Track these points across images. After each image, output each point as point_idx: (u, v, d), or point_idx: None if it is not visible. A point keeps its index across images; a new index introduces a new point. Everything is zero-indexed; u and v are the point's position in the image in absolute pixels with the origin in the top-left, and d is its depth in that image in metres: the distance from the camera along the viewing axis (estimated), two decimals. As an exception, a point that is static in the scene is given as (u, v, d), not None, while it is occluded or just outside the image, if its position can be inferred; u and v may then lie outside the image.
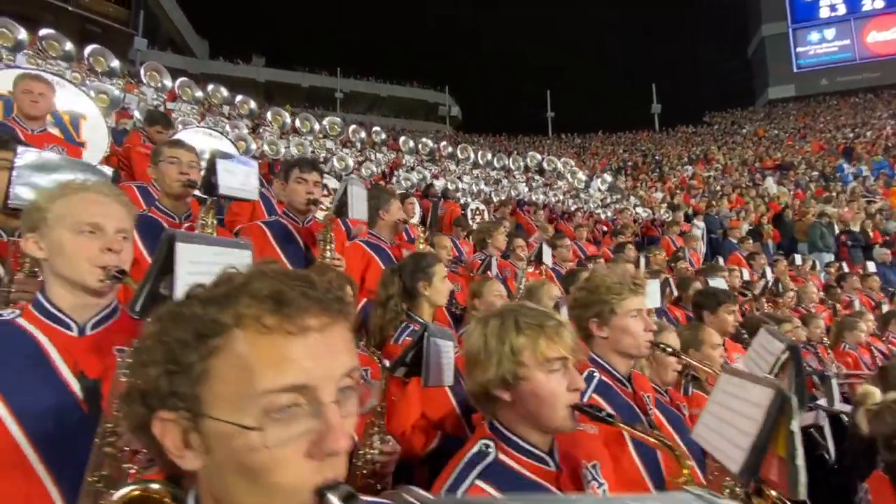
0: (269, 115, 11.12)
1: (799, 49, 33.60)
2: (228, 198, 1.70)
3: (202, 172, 1.74)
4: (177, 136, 4.20)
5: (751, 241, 8.16)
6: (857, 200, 11.28)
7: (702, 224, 10.62)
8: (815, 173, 16.06)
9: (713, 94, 36.82)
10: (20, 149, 1.21)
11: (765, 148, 23.65)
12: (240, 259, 1.00)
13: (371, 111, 37.07)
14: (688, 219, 10.85)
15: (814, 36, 33.52)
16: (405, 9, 38.87)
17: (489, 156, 15.04)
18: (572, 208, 9.61)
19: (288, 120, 10.81)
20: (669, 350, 1.49)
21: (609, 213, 10.35)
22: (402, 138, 14.41)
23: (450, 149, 14.36)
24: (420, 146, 13.58)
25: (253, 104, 11.21)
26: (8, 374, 0.97)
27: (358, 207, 2.11)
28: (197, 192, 1.77)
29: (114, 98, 4.84)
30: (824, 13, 33.38)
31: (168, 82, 9.29)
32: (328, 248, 1.86)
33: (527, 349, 0.90)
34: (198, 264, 0.89)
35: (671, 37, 41.47)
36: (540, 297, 2.38)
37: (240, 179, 1.68)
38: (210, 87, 10.46)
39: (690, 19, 39.80)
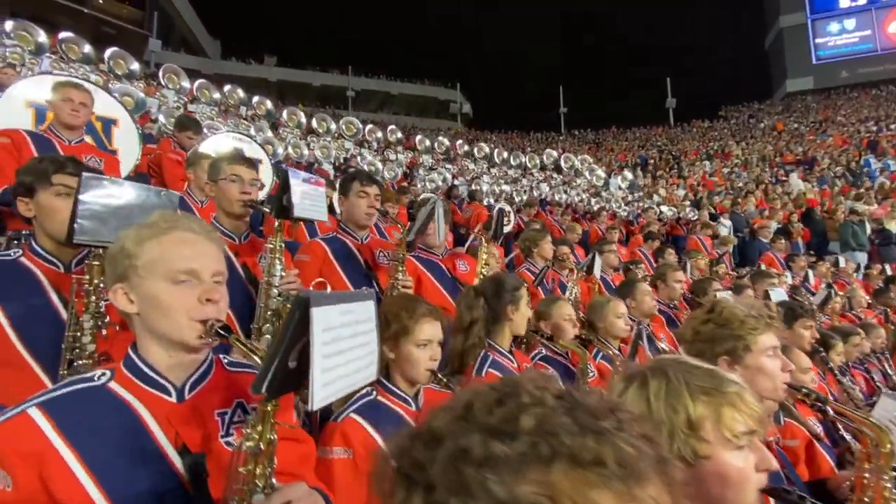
0: (284, 114, 11.07)
1: (818, 40, 32.87)
2: (301, 219, 1.58)
3: (262, 188, 1.64)
4: (207, 143, 4.11)
5: (783, 241, 7.89)
6: (891, 196, 10.92)
7: (728, 223, 10.36)
8: (840, 168, 15.60)
9: (729, 87, 36.15)
10: (85, 175, 1.09)
11: (785, 142, 23.10)
12: (365, 313, 0.85)
13: (382, 109, 36.99)
14: (713, 218, 10.58)
15: (833, 27, 32.77)
16: (415, 6, 38.67)
17: (505, 154, 14.86)
18: (594, 207, 9.39)
19: (303, 120, 10.75)
20: (813, 396, 1.32)
21: (631, 212, 10.11)
22: (419, 137, 14.28)
23: (466, 147, 14.20)
24: (436, 145, 13.45)
25: (269, 105, 11.15)
26: (102, 452, 0.85)
27: (442, 230, 1.95)
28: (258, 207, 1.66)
29: (138, 100, 4.75)
30: (844, 3, 32.62)
31: (186, 84, 9.29)
32: (400, 270, 1.72)
33: (708, 421, 0.74)
34: (330, 331, 0.75)
35: (685, 30, 40.78)
36: (605, 315, 2.23)
37: (312, 199, 1.55)
38: (227, 88, 10.44)
39: (705, 12, 39.09)
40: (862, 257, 9.32)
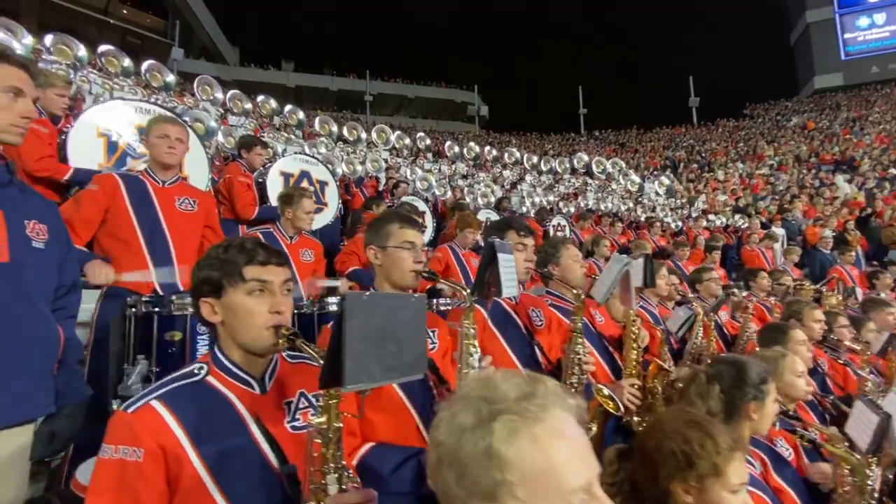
0: (316, 123, 10.91)
1: (847, 35, 32.02)
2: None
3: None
4: (276, 167, 3.87)
5: (853, 254, 7.43)
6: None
7: (782, 231, 9.87)
8: (891, 169, 14.92)
9: (753, 84, 35.39)
10: (349, 297, 0.85)
11: (819, 142, 22.35)
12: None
13: (398, 112, 36.94)
14: (764, 226, 10.10)
15: (863, 21, 31.89)
16: (430, 9, 38.47)
17: (535, 158, 14.52)
18: (641, 217, 8.99)
19: (335, 129, 10.58)
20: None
21: (677, 221, 9.67)
22: (448, 143, 14.02)
23: (494, 152, 13.90)
24: (466, 151, 13.18)
25: (301, 115, 11.02)
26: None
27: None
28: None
29: (209, 128, 4.52)
30: (874, -4, 31.69)
31: (219, 95, 9.18)
32: (578, 342, 1.40)
33: None
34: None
35: (708, 27, 39.96)
36: (781, 374, 1.91)
37: (509, 271, 1.29)
38: (260, 99, 10.32)
39: (728, 9, 38.24)
40: (928, 267, 8.79)
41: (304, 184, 3.97)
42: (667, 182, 13.77)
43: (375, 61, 34.74)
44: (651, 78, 40.80)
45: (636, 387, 1.80)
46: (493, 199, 6.47)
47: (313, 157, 4.11)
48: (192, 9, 25.33)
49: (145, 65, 8.25)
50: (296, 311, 2.29)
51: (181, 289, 1.97)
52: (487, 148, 14.01)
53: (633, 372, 1.88)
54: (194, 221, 2.18)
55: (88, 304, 2.70)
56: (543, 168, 13.75)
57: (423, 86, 36.03)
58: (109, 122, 2.89)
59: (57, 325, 1.27)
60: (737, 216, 10.54)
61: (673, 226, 9.19)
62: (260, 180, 3.76)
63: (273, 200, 3.85)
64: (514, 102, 39.08)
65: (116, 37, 18.55)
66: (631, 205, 9.31)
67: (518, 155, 14.47)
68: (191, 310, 1.64)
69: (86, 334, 2.10)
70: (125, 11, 19.66)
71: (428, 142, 12.75)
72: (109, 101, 3.09)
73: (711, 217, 10.00)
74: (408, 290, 1.41)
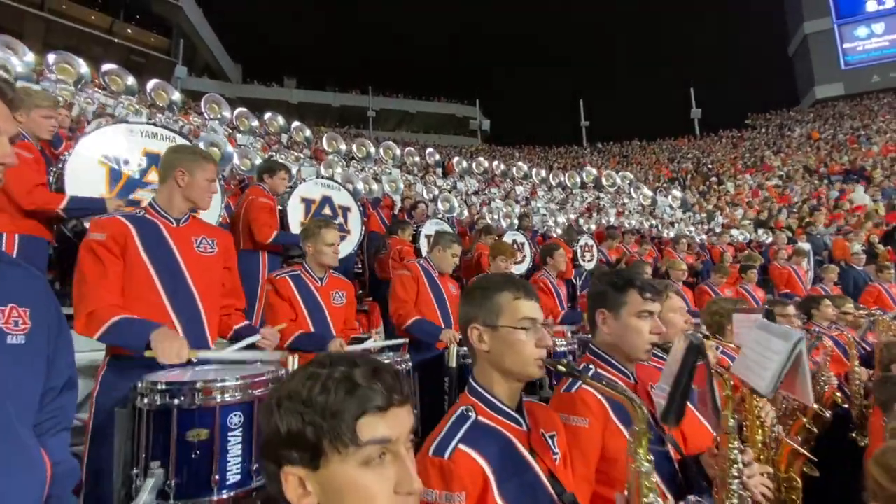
0: (325, 141, 10.66)
1: (846, 45, 32.20)
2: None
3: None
4: (298, 193, 3.53)
5: (892, 271, 7.04)
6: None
7: (808, 246, 9.50)
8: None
9: (754, 95, 35.48)
10: None
11: (826, 152, 22.15)
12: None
13: (400, 127, 36.97)
14: (789, 241, 9.75)
15: (861, 31, 32.09)
16: (432, 24, 38.73)
17: (543, 172, 14.26)
18: (665, 234, 8.64)
19: (343, 146, 10.31)
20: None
21: (701, 236, 9.30)
22: (456, 158, 13.78)
23: (502, 166, 13.65)
24: (475, 165, 12.92)
25: (308, 132, 10.79)
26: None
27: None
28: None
29: (226, 154, 4.18)
30: (871, 7, 32.01)
31: (227, 113, 8.95)
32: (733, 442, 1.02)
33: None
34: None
35: (708, 39, 40.22)
36: None
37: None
38: (267, 116, 10.08)
39: (727, 20, 38.53)
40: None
41: (326, 210, 3.64)
42: (679, 195, 13.48)
43: (377, 77, 34.85)
44: (652, 89, 40.94)
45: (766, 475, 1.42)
46: (515, 220, 6.13)
47: (334, 180, 3.78)
48: (195, 27, 25.38)
49: (150, 84, 8.03)
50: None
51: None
52: (496, 162, 13.76)
53: (762, 457, 1.50)
54: (216, 265, 1.83)
55: (88, 353, 2.30)
56: (553, 182, 13.50)
57: (425, 101, 36.11)
58: (111, 149, 2.56)
59: (40, 453, 0.89)
60: (760, 231, 10.19)
61: (698, 241, 8.83)
62: (280, 207, 3.44)
63: (294, 229, 3.52)
64: (515, 116, 39.15)
65: (121, 56, 18.45)
66: (654, 221, 8.97)
67: (526, 169, 14.22)
68: (220, 398, 1.26)
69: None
70: (129, 31, 19.63)
71: (437, 157, 12.51)
72: (111, 125, 2.75)
73: (734, 232, 9.64)
74: (526, 381, 1.06)
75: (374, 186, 5.07)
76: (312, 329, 2.21)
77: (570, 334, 2.98)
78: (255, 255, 3.30)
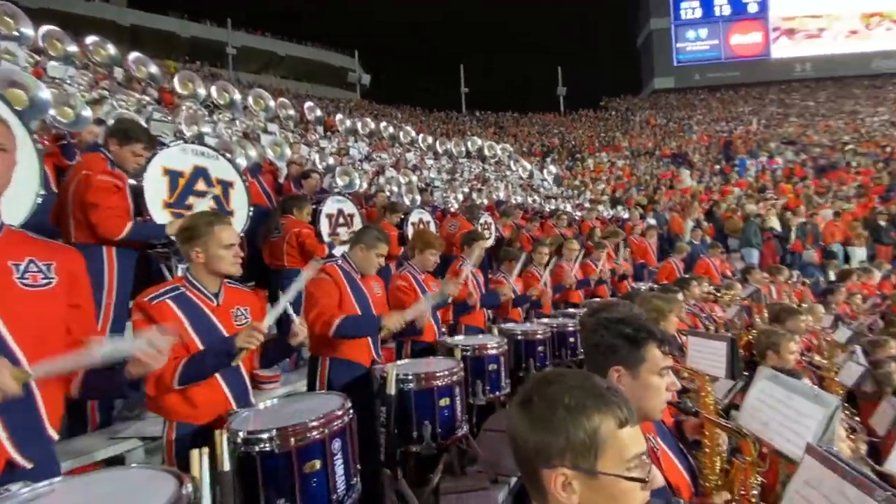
0: (176, 82, 8.78)
1: (679, 44, 37.43)
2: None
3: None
4: (156, 162, 2.66)
5: (720, 247, 8.50)
6: (775, 195, 12.65)
7: (654, 222, 10.97)
8: (717, 166, 17.83)
9: (609, 80, 39.62)
10: None
11: (661, 137, 25.90)
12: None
13: (266, 71, 32.98)
14: (641, 217, 11.14)
15: (690, 34, 37.53)
16: (304, -44, 34.49)
17: (430, 139, 14.03)
18: (545, 209, 9.16)
19: (202, 90, 8.58)
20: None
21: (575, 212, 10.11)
22: (339, 116, 12.68)
23: (391, 129, 13.05)
24: (360, 126, 12.06)
25: (154, 68, 8.76)
26: None
27: None
28: None
29: (39, 102, 2.77)
30: (698, 14, 37.46)
31: (29, 31, 6.69)
32: None
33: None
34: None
35: (573, 21, 43.27)
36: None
37: None
38: (90, 41, 7.87)
39: (591, 6, 41.81)
40: (756, 254, 10.62)
41: (201, 185, 2.83)
42: (554, 170, 14.49)
43: (238, 6, 30.06)
44: (526, 62, 42.96)
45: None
46: (417, 195, 5.77)
47: (210, 147, 2.93)
48: None
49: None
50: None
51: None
52: (384, 124, 13.03)
53: (719, 482, 1.54)
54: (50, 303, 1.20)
55: None
56: (439, 150, 13.33)
57: (297, 44, 32.60)
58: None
59: None
60: (618, 207, 11.43)
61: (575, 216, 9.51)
62: (133, 182, 2.53)
63: (153, 211, 2.63)
64: (396, 74, 37.65)
65: None
66: (536, 197, 9.42)
67: (414, 134, 13.79)
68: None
69: None
70: None
71: (319, 113, 11.30)
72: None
73: (600, 208, 10.68)
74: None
75: (252, 152, 4.11)
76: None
77: (496, 330, 2.86)
78: (96, 250, 2.40)
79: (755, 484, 1.46)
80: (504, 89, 37.38)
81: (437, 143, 13.58)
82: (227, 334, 1.69)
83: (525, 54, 44.14)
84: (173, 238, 2.48)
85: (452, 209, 6.30)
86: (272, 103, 9.64)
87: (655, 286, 5.23)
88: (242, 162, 3.83)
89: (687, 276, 5.03)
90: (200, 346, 1.62)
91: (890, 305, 6.58)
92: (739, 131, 25.44)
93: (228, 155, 3.18)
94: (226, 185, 2.95)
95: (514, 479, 2.41)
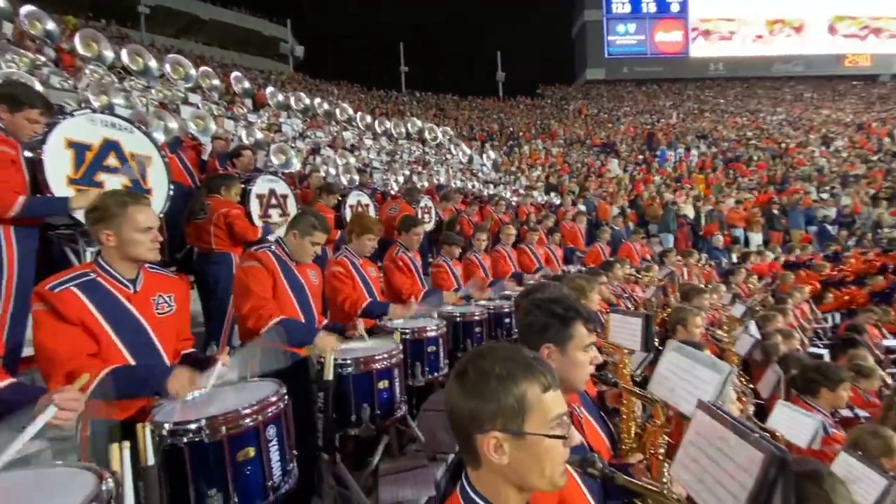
0: (77, 42, 7.83)
1: (610, 37, 39.08)
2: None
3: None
4: (57, 133, 2.36)
5: (641, 231, 9.16)
6: (693, 186, 13.77)
7: (584, 208, 11.56)
8: (641, 156, 19.05)
9: (544, 67, 40.61)
10: None
11: (592, 126, 27.16)
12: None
13: (186, 35, 30.19)
14: (572, 203, 11.67)
15: (620, 27, 39.26)
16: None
17: (368, 118, 13.71)
18: (484, 194, 9.33)
19: (108, 52, 7.73)
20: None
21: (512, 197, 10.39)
22: (270, 89, 11.94)
23: (325, 106, 12.56)
24: (293, 101, 11.48)
25: (51, 24, 7.79)
26: None
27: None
28: None
29: None
30: (628, 9, 39.21)
31: None
32: None
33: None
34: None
35: (513, 4, 43.64)
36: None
37: None
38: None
39: (531, -6, 42.33)
40: (672, 239, 11.59)
41: (112, 161, 2.56)
42: (493, 156, 14.74)
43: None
44: (467, 44, 42.86)
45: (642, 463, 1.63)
46: (355, 175, 5.61)
47: (123, 119, 2.63)
48: None
49: None
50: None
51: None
52: (318, 100, 12.47)
53: (633, 445, 1.72)
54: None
55: None
56: (378, 129, 13.05)
57: (222, 7, 30.11)
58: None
59: None
60: (551, 193, 11.90)
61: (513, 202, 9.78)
62: (32, 155, 2.20)
63: (55, 187, 2.33)
64: (331, 47, 36.01)
65: None
66: (476, 182, 9.55)
67: (351, 112, 13.38)
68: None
69: None
70: None
71: (247, 85, 10.58)
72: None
73: (535, 194, 11.05)
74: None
75: (172, 124, 3.71)
76: (131, 360, 1.52)
77: (435, 314, 2.91)
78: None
79: (663, 444, 1.65)
80: (444, 70, 37.12)
81: (377, 122, 13.27)
82: (146, 323, 1.57)
83: (466, 36, 44.03)
84: (78, 217, 2.24)
85: (392, 192, 6.24)
86: (193, 72, 8.87)
87: (583, 269, 5.58)
88: (160, 136, 3.51)
89: (611, 259, 5.40)
90: (114, 337, 1.49)
91: (779, 284, 7.53)
92: (661, 124, 27.30)
93: (144, 128, 2.89)
94: (141, 161, 2.69)
95: (451, 456, 2.50)
